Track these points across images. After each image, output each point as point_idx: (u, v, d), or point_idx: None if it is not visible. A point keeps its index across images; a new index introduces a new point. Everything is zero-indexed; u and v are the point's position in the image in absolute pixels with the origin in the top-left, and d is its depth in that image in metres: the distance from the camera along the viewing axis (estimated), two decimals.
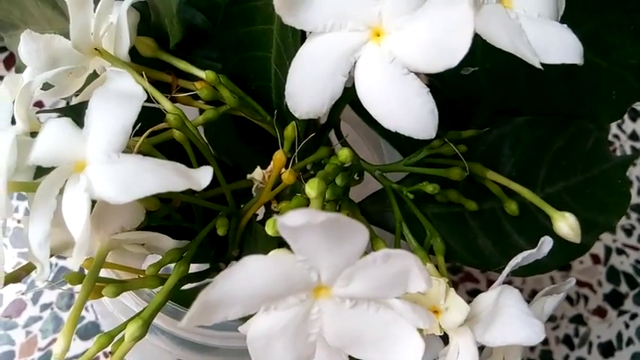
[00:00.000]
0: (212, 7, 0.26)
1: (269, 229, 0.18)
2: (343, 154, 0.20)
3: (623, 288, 0.47)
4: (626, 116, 0.54)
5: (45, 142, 0.18)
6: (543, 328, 0.16)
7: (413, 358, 0.16)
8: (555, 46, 0.20)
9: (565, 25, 0.21)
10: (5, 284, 0.18)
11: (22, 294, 0.44)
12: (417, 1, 0.17)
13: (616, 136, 0.53)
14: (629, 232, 0.49)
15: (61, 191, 0.17)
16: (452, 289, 0.18)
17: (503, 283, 0.19)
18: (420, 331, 0.17)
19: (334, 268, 0.15)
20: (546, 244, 0.18)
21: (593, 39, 0.27)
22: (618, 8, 0.26)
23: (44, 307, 0.44)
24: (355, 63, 0.18)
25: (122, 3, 0.24)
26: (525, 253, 0.18)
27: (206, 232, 0.22)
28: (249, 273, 0.15)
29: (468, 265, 0.25)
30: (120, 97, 0.18)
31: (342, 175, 0.21)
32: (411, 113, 0.18)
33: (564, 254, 0.26)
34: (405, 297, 0.17)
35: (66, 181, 0.17)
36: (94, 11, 0.22)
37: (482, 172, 0.23)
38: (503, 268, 0.23)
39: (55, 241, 0.20)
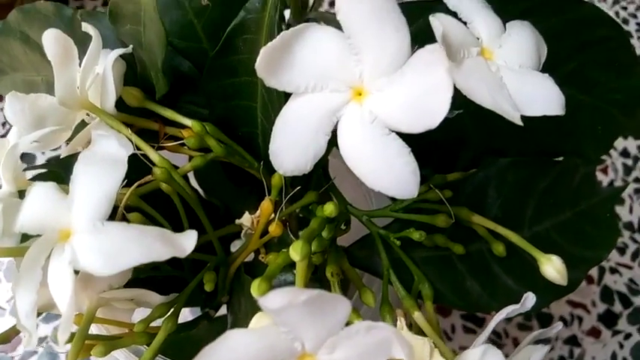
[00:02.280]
0: (199, 53, 0.26)
1: (254, 292, 0.18)
2: (329, 208, 0.20)
3: (617, 307, 0.47)
4: None
5: (31, 208, 0.18)
6: None
7: None
8: (537, 98, 0.20)
9: (547, 75, 0.21)
10: None
11: None
12: (397, 62, 0.18)
13: (607, 154, 0.53)
14: (622, 250, 0.49)
15: (48, 257, 0.18)
16: (436, 350, 0.18)
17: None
18: None
19: (318, 339, 0.15)
20: (529, 300, 0.19)
21: (578, 76, 0.27)
22: (601, 46, 0.26)
23: (39, 341, 0.44)
24: (338, 122, 0.18)
25: (109, 53, 0.24)
26: (509, 309, 0.19)
27: (192, 286, 0.22)
28: (233, 347, 0.15)
29: (457, 309, 0.25)
30: (104, 162, 0.18)
31: (329, 227, 0.21)
32: (392, 174, 0.18)
33: (554, 293, 0.26)
34: None
35: (52, 249, 0.17)
36: (80, 65, 0.23)
37: (469, 216, 0.23)
38: (492, 309, 0.24)
39: (43, 300, 0.20)
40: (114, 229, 0.17)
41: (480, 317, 0.44)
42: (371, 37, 0.17)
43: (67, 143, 0.26)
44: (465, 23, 0.21)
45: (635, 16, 0.61)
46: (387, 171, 0.18)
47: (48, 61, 0.28)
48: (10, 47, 0.29)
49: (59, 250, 0.17)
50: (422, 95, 0.17)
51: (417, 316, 0.22)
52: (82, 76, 0.23)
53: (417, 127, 0.17)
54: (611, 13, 0.60)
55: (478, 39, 0.21)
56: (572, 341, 0.46)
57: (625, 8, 0.62)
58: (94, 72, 0.24)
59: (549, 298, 0.26)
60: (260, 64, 0.18)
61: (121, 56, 0.24)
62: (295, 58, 0.18)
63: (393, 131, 0.18)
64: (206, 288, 0.22)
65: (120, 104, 0.24)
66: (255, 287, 0.18)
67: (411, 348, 0.15)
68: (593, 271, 0.48)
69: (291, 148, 0.19)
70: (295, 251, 0.17)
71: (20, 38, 0.28)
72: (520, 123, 0.19)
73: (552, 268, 0.22)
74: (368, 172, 0.18)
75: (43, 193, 0.18)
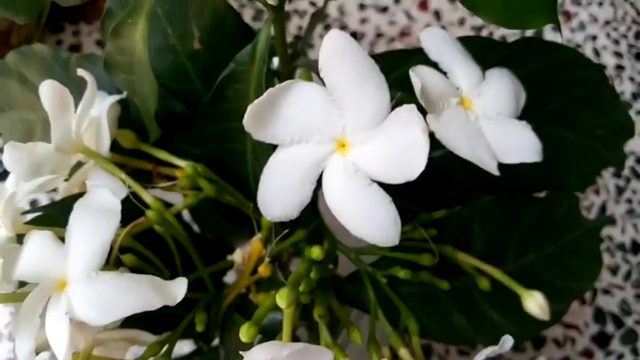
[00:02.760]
0: (191, 94, 0.27)
1: (243, 336, 0.19)
2: (315, 252, 0.21)
3: (610, 328, 0.48)
4: None
5: (28, 257, 0.19)
6: None
7: None
8: (514, 145, 0.21)
9: (524, 123, 0.22)
10: None
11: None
12: (378, 118, 0.18)
13: (599, 175, 0.54)
14: (614, 271, 0.50)
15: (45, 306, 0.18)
16: None
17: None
18: None
19: None
20: (507, 342, 0.19)
21: (560, 115, 0.28)
22: (582, 86, 0.27)
23: None
24: (322, 172, 0.19)
25: (105, 96, 0.25)
26: (488, 350, 0.19)
27: (184, 326, 0.22)
28: None
29: (443, 342, 0.26)
30: (99, 213, 0.19)
31: (316, 268, 0.22)
32: (374, 222, 0.18)
33: (536, 325, 0.26)
34: None
35: (49, 297, 0.18)
36: (75, 111, 0.23)
37: (453, 254, 0.24)
38: (478, 342, 0.24)
39: (41, 340, 0.21)
40: (108, 279, 0.18)
41: None
42: (352, 94, 0.18)
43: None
44: (444, 73, 0.22)
45: (625, 37, 0.62)
46: (369, 220, 0.19)
47: None
48: (7, 87, 0.30)
49: (56, 299, 0.18)
50: (401, 150, 0.18)
51: (403, 353, 0.22)
52: (77, 121, 0.23)
53: (397, 178, 0.18)
54: (603, 34, 0.61)
55: (458, 88, 0.22)
56: None
57: (616, 29, 0.63)
58: (89, 116, 0.25)
59: (534, 330, 0.27)
60: (247, 120, 0.19)
61: (117, 101, 0.25)
62: (281, 113, 0.19)
63: (374, 182, 0.19)
64: (197, 329, 0.22)
65: (114, 145, 0.25)
66: (243, 332, 0.18)
67: None
68: (586, 293, 0.49)
69: (277, 196, 0.20)
70: (282, 298, 0.18)
71: (18, 79, 0.29)
72: (496, 173, 0.20)
73: (534, 303, 0.23)
74: (351, 221, 0.19)
75: (40, 242, 0.19)
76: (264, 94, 0.18)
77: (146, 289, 0.17)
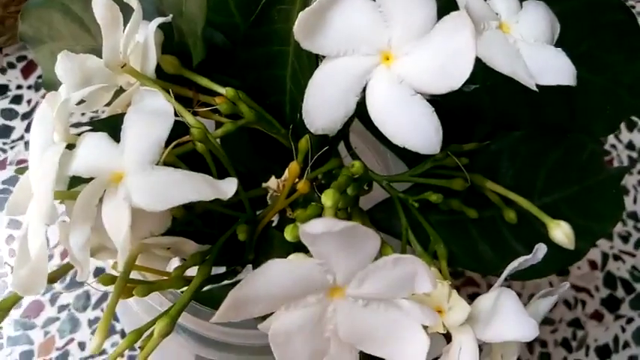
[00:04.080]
0: (231, 28, 0.28)
1: (288, 235, 0.20)
2: (355, 166, 0.22)
3: (620, 293, 0.49)
4: (623, 126, 0.55)
5: (84, 154, 0.20)
6: (537, 326, 0.18)
7: (419, 353, 0.18)
8: (550, 68, 0.22)
9: (560, 49, 0.22)
10: (47, 283, 0.20)
11: (41, 295, 0.45)
12: (424, 28, 0.19)
13: (613, 146, 0.55)
14: (625, 239, 0.51)
15: (100, 200, 0.19)
16: (454, 291, 0.19)
17: (502, 286, 0.21)
18: (425, 329, 0.18)
19: (348, 271, 0.17)
20: (541, 250, 0.20)
21: (588, 58, 0.29)
22: (611, 30, 0.28)
23: (61, 308, 0.45)
24: (367, 84, 0.20)
25: (149, 23, 0.26)
26: (522, 259, 0.20)
27: (227, 236, 0.23)
28: (273, 274, 0.17)
29: (469, 270, 0.27)
30: (152, 114, 0.20)
31: (353, 185, 0.23)
32: (417, 131, 0.19)
33: (560, 260, 0.27)
34: (411, 298, 0.18)
35: (104, 191, 0.19)
36: (123, 32, 0.24)
37: (482, 182, 0.25)
38: (502, 272, 0.25)
39: (93, 243, 0.22)
40: (163, 171, 0.18)
41: None
42: (400, 6, 0.19)
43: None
44: (485, 0, 0.22)
45: None
46: (412, 128, 0.19)
47: (87, 32, 0.30)
48: (50, 18, 0.30)
49: (112, 190, 0.19)
50: (447, 57, 0.19)
51: (434, 271, 0.23)
52: (124, 42, 0.24)
53: (442, 87, 0.19)
54: None
55: (497, 14, 0.22)
56: (576, 324, 0.47)
57: (633, 7, 0.63)
58: (134, 39, 0.25)
59: (555, 266, 0.28)
60: (297, 28, 0.19)
61: (159, 27, 0.26)
62: (330, 24, 0.20)
63: (418, 93, 0.20)
64: (240, 238, 0.23)
65: (157, 72, 0.26)
66: (288, 231, 0.19)
67: (435, 278, 0.16)
68: (597, 258, 0.50)
69: (323, 107, 0.20)
70: (328, 198, 0.19)
71: (61, 10, 0.30)
72: (535, 89, 0.20)
73: (561, 232, 0.24)
74: (395, 130, 0.20)
75: (95, 140, 0.20)
76: (316, 2, 0.19)
77: (200, 182, 0.18)
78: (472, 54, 0.18)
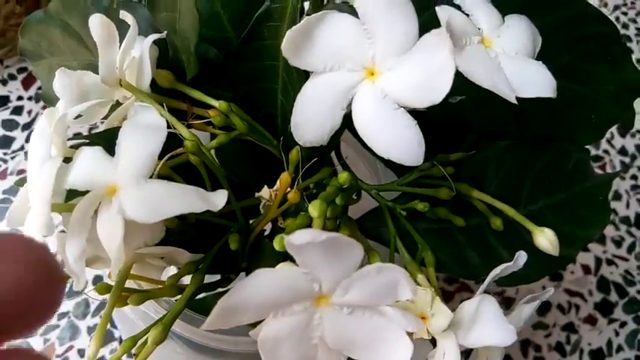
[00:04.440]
0: (224, 42, 0.29)
1: (276, 245, 0.20)
2: (343, 177, 0.22)
3: (613, 297, 0.49)
4: (615, 132, 0.56)
5: (80, 167, 0.21)
6: (514, 332, 0.19)
7: (403, 358, 0.19)
8: (531, 81, 0.22)
9: (540, 62, 0.23)
10: None
11: None
12: (406, 44, 0.20)
13: (606, 152, 0.55)
14: (618, 243, 0.51)
15: (95, 212, 0.20)
16: (437, 298, 0.20)
17: (489, 291, 0.22)
18: (410, 335, 0.19)
19: (333, 280, 0.18)
20: (521, 257, 0.21)
21: (573, 69, 0.29)
22: (595, 41, 0.29)
23: (61, 315, 0.46)
24: (352, 99, 0.21)
25: (144, 39, 0.27)
26: (503, 266, 0.21)
27: (219, 245, 0.24)
28: (261, 283, 0.17)
29: (457, 276, 0.27)
30: (146, 129, 0.20)
31: (342, 195, 0.23)
32: (400, 143, 0.20)
33: (546, 266, 0.28)
34: (396, 305, 0.19)
35: (99, 203, 0.20)
36: (119, 48, 0.25)
37: (469, 191, 0.26)
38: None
39: (88, 255, 0.22)
40: (156, 184, 0.19)
41: None
42: (383, 23, 0.20)
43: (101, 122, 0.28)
44: (467, 15, 0.23)
45: (635, 21, 0.63)
46: (396, 141, 0.20)
47: (85, 47, 0.31)
48: (49, 34, 0.31)
49: (107, 203, 0.19)
50: (428, 73, 0.19)
51: (421, 278, 0.24)
52: (120, 57, 0.25)
53: (423, 102, 0.20)
54: (612, 19, 0.62)
55: (479, 29, 0.23)
56: (570, 328, 0.48)
57: (625, 13, 0.64)
58: (130, 55, 0.26)
59: (542, 272, 0.28)
60: (286, 46, 0.20)
61: (153, 42, 0.27)
62: (316, 41, 0.20)
63: (401, 107, 0.20)
64: (231, 247, 0.24)
65: (152, 86, 0.27)
66: (277, 241, 0.20)
67: (415, 286, 0.17)
68: (591, 262, 0.50)
69: (310, 121, 0.21)
70: (314, 208, 0.20)
71: (60, 26, 0.31)
72: (515, 102, 0.21)
73: (545, 239, 0.25)
74: (379, 142, 0.20)
75: (91, 154, 0.20)
76: (302, 21, 0.20)
77: (191, 195, 0.19)
78: (451, 71, 0.19)
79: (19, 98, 0.55)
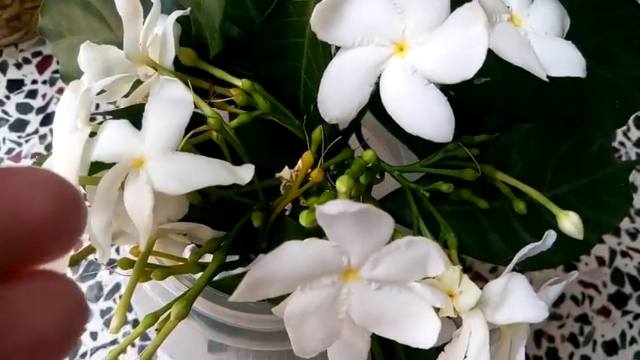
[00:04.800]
0: (246, 21, 0.29)
1: (303, 220, 0.20)
2: (368, 155, 0.22)
3: (627, 289, 0.49)
4: (631, 124, 0.56)
5: (107, 140, 0.20)
6: (547, 308, 0.19)
7: (430, 335, 0.18)
8: (560, 60, 0.22)
9: (570, 42, 0.23)
10: (69, 266, 0.21)
11: None
12: (438, 19, 0.20)
13: (622, 144, 0.55)
14: (633, 235, 0.51)
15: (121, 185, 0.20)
16: (465, 275, 0.20)
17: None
18: (436, 312, 0.19)
19: (363, 254, 0.17)
20: (550, 237, 0.21)
21: (598, 52, 0.29)
22: (622, 25, 0.28)
23: None
24: (381, 74, 0.21)
25: (168, 17, 0.27)
26: (532, 245, 0.21)
27: (242, 222, 0.24)
28: (289, 256, 0.17)
29: (479, 259, 0.27)
30: (173, 103, 0.20)
31: (366, 174, 0.23)
32: (430, 120, 0.20)
33: (568, 251, 0.28)
34: (423, 282, 0.19)
35: (126, 176, 0.20)
36: (143, 24, 0.25)
37: (493, 173, 0.25)
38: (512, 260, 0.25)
39: (114, 229, 0.22)
40: (184, 157, 0.19)
41: None
42: None
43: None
44: None
45: None
46: (426, 117, 0.20)
47: (106, 27, 0.31)
48: (70, 12, 0.31)
49: (134, 174, 0.19)
50: (460, 48, 0.19)
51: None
52: (144, 34, 0.25)
53: (455, 77, 0.19)
54: None
55: (508, 7, 0.23)
56: (583, 319, 0.47)
57: None
58: (153, 32, 0.26)
59: (564, 257, 0.28)
60: (315, 19, 0.20)
61: (176, 20, 0.26)
62: (345, 15, 0.20)
63: (431, 83, 0.20)
64: (254, 224, 0.24)
65: (174, 64, 0.27)
66: (303, 217, 0.20)
67: (447, 260, 0.17)
68: (605, 254, 0.50)
69: (337, 96, 0.21)
70: (342, 183, 0.19)
71: (81, 4, 0.31)
72: (546, 79, 0.21)
73: (570, 222, 0.24)
74: (408, 119, 0.20)
75: (117, 127, 0.20)
76: None
77: (219, 167, 0.19)
78: (485, 45, 0.18)
79: (34, 82, 0.55)
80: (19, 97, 0.55)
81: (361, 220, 0.16)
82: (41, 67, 0.56)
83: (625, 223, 0.51)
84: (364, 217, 0.16)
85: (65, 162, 0.19)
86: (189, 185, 0.18)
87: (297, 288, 0.18)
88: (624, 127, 0.55)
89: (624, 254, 0.50)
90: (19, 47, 0.57)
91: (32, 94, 0.55)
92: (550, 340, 0.47)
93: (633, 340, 0.47)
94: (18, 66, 0.56)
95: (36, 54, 0.57)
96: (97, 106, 0.47)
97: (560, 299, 0.48)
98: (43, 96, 0.55)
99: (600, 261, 0.50)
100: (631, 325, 0.47)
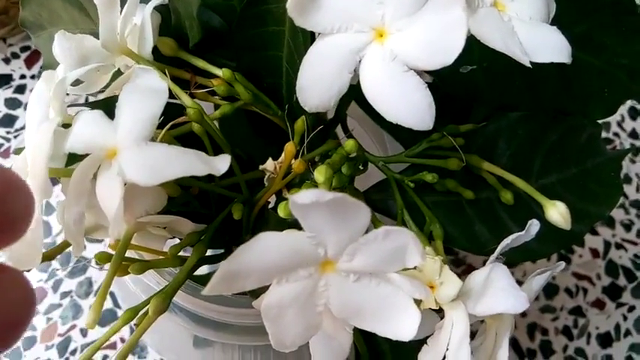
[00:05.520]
0: (228, 10, 0.28)
1: (281, 212, 0.20)
2: (349, 144, 0.22)
3: (622, 281, 0.48)
4: (626, 114, 0.55)
5: (79, 131, 0.20)
6: (527, 299, 0.18)
7: (410, 327, 0.18)
8: (545, 46, 0.22)
9: (555, 27, 0.22)
10: (42, 261, 0.20)
11: (44, 282, 0.46)
12: (417, 4, 0.19)
13: (616, 134, 0.54)
14: (628, 227, 0.51)
15: (94, 176, 0.19)
16: (446, 266, 0.19)
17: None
18: (418, 304, 0.18)
19: (339, 244, 0.17)
20: (534, 226, 0.20)
21: (586, 39, 0.29)
22: (610, 11, 0.28)
23: (64, 295, 0.46)
24: (360, 61, 0.20)
25: (146, 5, 0.26)
26: (514, 235, 0.20)
27: (223, 215, 0.23)
28: (264, 247, 0.17)
29: (465, 250, 0.27)
30: (147, 92, 0.20)
31: (348, 164, 0.23)
32: (410, 106, 0.19)
33: (557, 242, 0.27)
34: (403, 273, 0.18)
35: (98, 167, 0.19)
36: (120, 13, 0.24)
37: (479, 163, 0.25)
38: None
39: (86, 224, 0.22)
40: (157, 147, 0.19)
41: None
42: None
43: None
44: None
45: None
46: (405, 104, 0.19)
47: (86, 16, 0.30)
48: (50, 4, 0.31)
49: (106, 165, 0.19)
50: (439, 33, 0.19)
51: (428, 250, 0.23)
52: (122, 23, 0.24)
53: (434, 63, 0.19)
54: None
55: None
56: (577, 312, 0.47)
57: None
58: (132, 22, 0.25)
59: (552, 248, 0.28)
60: (291, 5, 0.19)
61: (156, 9, 0.26)
62: (323, 1, 0.20)
63: (411, 69, 0.20)
64: (235, 216, 0.23)
65: (154, 54, 0.26)
66: (282, 208, 0.20)
67: (424, 251, 0.16)
68: (599, 246, 0.49)
69: (317, 84, 0.21)
70: (320, 173, 0.19)
71: None
72: (529, 65, 0.20)
73: (557, 212, 0.24)
74: (388, 106, 0.20)
75: (91, 117, 0.20)
76: None
77: (193, 158, 0.19)
78: (463, 29, 0.18)
79: (22, 77, 0.55)
80: (7, 92, 0.54)
81: (336, 209, 0.16)
82: (30, 62, 0.56)
83: (619, 215, 0.51)
84: (339, 207, 0.16)
85: (36, 153, 0.19)
86: (161, 176, 0.18)
87: (274, 280, 0.18)
88: (618, 118, 0.55)
89: (618, 246, 0.50)
90: (7, 42, 0.56)
91: (21, 89, 0.54)
92: (544, 333, 0.46)
93: (628, 333, 0.47)
94: (6, 61, 0.55)
95: (24, 48, 0.56)
96: (87, 99, 0.47)
97: (554, 292, 0.48)
98: (32, 91, 0.54)
99: (594, 253, 0.49)
100: (625, 318, 0.47)
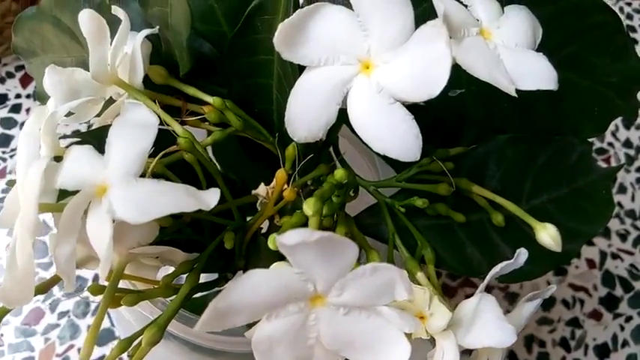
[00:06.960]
0: (218, 36, 0.28)
1: (271, 245, 0.20)
2: (339, 174, 0.22)
3: (618, 291, 0.49)
4: (620, 124, 0.55)
5: (70, 167, 0.20)
6: (515, 332, 0.18)
7: (400, 358, 0.18)
8: (531, 73, 0.22)
9: (541, 54, 0.23)
10: (35, 294, 0.20)
11: (41, 303, 0.46)
12: (402, 37, 0.19)
13: (610, 144, 0.55)
14: (623, 237, 0.51)
15: (85, 212, 0.20)
16: (435, 297, 0.19)
17: (492, 286, 0.21)
18: (409, 335, 0.19)
19: (328, 280, 0.17)
20: (521, 255, 0.20)
21: (575, 60, 0.29)
22: (597, 31, 0.28)
23: (61, 315, 0.46)
24: (347, 92, 0.20)
25: (136, 35, 0.26)
26: (503, 264, 0.20)
27: (214, 245, 0.24)
28: (253, 284, 0.17)
29: (457, 273, 0.27)
30: (136, 126, 0.20)
31: (339, 192, 0.23)
32: (397, 138, 0.19)
33: (549, 262, 0.27)
34: (393, 305, 0.19)
35: (89, 203, 0.19)
36: (110, 44, 0.25)
37: (469, 186, 0.25)
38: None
39: (78, 256, 0.22)
40: (146, 183, 0.19)
41: None
42: (378, 15, 0.19)
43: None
44: (465, 6, 0.22)
45: (639, 12, 0.62)
46: (392, 136, 0.20)
47: (77, 43, 0.31)
48: (42, 30, 0.31)
49: (96, 202, 0.19)
50: (424, 66, 0.19)
51: (420, 276, 0.23)
52: (112, 53, 0.25)
53: (420, 95, 0.19)
54: (616, 9, 0.61)
55: (478, 20, 0.22)
56: (574, 323, 0.47)
57: (629, 4, 0.63)
58: (122, 51, 0.26)
59: (545, 268, 0.28)
60: (278, 39, 0.20)
61: (147, 37, 0.26)
62: (309, 34, 0.20)
63: (398, 101, 0.20)
64: (226, 246, 0.24)
65: (145, 82, 0.26)
66: (271, 241, 0.20)
67: (411, 286, 0.16)
68: (595, 256, 0.50)
69: (305, 116, 0.21)
70: (309, 207, 0.19)
71: (52, 22, 0.30)
72: (514, 94, 0.21)
73: (547, 234, 0.24)
74: (375, 137, 0.20)
75: (81, 153, 0.20)
76: (294, 13, 0.19)
77: (182, 193, 0.19)
78: (448, 63, 0.18)
79: (18, 96, 0.55)
80: (3, 112, 0.54)
81: (323, 248, 0.16)
82: (25, 82, 0.56)
83: (615, 225, 0.51)
84: (326, 245, 0.16)
85: (27, 191, 0.19)
86: (150, 214, 0.18)
87: (264, 316, 0.18)
88: (612, 128, 0.55)
89: (615, 256, 0.50)
90: (2, 61, 0.57)
91: (16, 108, 0.55)
92: (541, 345, 0.46)
93: (625, 343, 0.47)
94: (1, 80, 0.56)
95: (19, 68, 0.56)
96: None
97: (550, 303, 0.48)
98: (27, 110, 0.55)
99: (591, 263, 0.49)
100: (623, 328, 0.47)
